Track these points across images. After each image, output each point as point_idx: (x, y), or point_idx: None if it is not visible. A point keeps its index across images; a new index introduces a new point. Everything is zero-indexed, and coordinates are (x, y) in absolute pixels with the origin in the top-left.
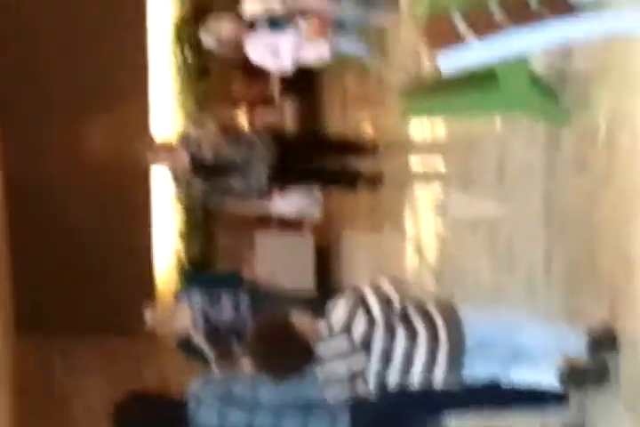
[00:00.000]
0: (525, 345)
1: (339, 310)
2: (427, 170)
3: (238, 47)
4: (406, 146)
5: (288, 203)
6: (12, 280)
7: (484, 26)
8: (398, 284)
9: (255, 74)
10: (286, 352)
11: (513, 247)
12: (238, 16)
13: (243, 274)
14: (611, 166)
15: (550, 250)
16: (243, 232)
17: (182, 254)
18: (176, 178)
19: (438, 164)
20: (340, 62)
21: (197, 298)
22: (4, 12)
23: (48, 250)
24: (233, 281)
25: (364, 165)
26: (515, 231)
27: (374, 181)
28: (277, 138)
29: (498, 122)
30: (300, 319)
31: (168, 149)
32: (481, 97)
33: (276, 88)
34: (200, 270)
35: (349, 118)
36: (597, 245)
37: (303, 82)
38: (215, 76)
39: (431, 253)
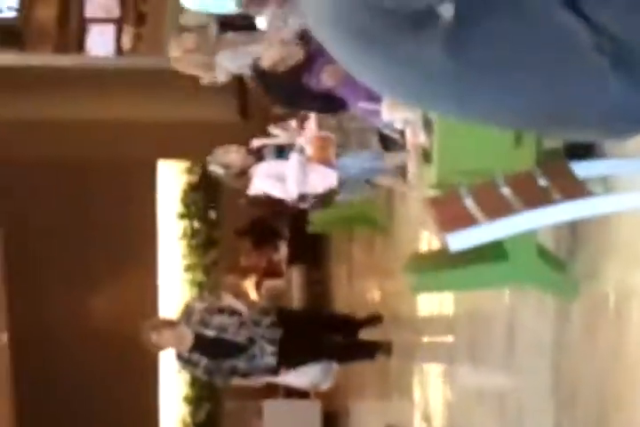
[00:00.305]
0: None
1: None
2: (435, 339)
3: (245, 176)
4: (414, 315)
5: (300, 375)
6: None
7: (493, 207)
8: None
9: (263, 242)
10: None
11: (522, 417)
12: (246, 147)
13: None
14: (621, 337)
15: (560, 421)
16: (249, 397)
17: (188, 419)
18: (180, 357)
19: (447, 333)
20: (348, 227)
21: None
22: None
23: (52, 415)
24: None
25: (372, 333)
26: (523, 401)
27: (383, 349)
28: (284, 314)
29: (506, 293)
30: None
31: (171, 326)
32: (489, 270)
33: (283, 257)
34: None
35: (356, 287)
36: (608, 416)
37: (310, 250)
38: (223, 245)
39: (439, 422)
